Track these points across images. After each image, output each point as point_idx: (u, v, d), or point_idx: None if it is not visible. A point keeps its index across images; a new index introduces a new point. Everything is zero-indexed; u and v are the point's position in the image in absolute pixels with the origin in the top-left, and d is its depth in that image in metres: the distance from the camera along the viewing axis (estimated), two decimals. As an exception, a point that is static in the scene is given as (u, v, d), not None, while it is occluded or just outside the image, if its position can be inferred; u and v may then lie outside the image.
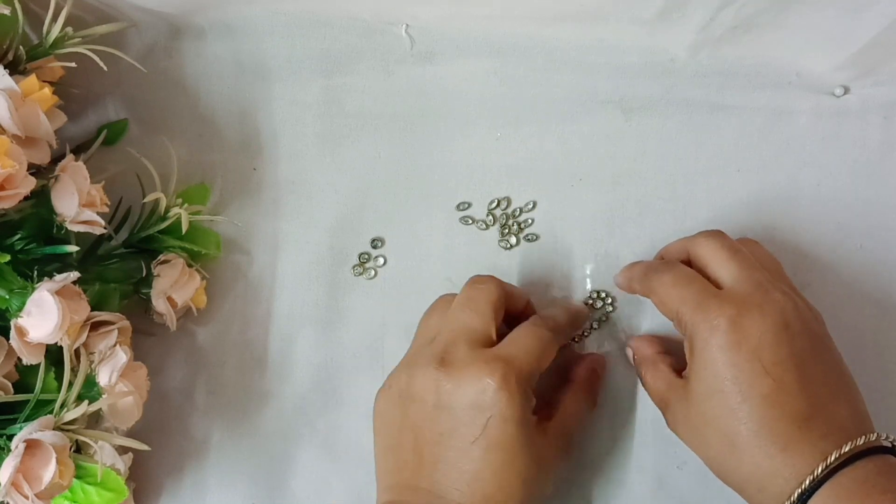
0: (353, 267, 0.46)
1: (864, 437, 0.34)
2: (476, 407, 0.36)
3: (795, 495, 0.33)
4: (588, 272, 0.45)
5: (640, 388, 0.44)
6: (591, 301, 0.44)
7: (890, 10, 0.40)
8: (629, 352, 0.43)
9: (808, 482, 0.33)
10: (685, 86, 0.45)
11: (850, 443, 0.34)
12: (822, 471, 0.33)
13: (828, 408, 0.35)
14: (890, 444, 0.35)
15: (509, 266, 0.45)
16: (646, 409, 0.44)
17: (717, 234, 0.39)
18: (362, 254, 0.46)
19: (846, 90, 0.44)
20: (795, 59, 0.44)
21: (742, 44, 0.43)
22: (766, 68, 0.44)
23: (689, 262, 0.40)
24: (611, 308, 0.44)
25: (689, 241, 0.40)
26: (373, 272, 0.46)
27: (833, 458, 0.33)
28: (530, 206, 0.45)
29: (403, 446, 0.38)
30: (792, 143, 0.45)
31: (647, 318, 0.44)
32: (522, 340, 0.38)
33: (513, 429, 0.36)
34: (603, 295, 0.44)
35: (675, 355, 0.41)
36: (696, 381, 0.37)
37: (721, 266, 0.38)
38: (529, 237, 0.45)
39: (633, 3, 0.42)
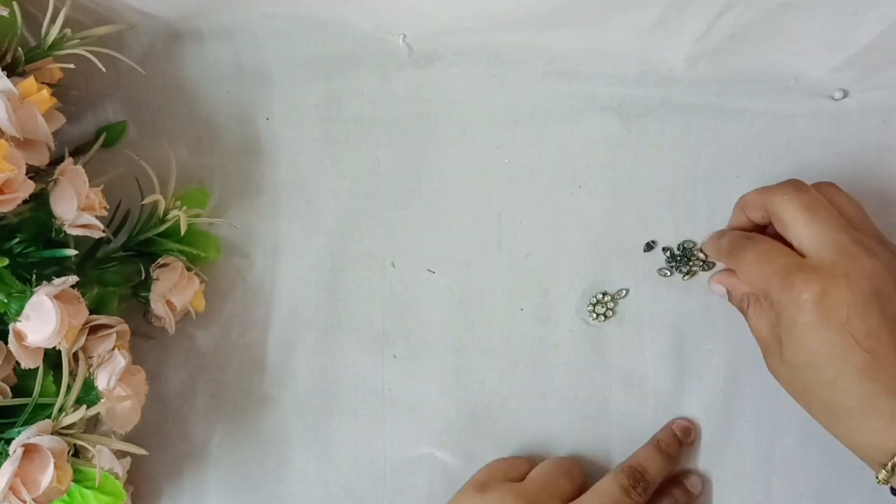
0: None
1: None
2: None
3: None
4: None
5: (641, 393, 0.44)
6: (590, 308, 0.44)
7: (888, 13, 0.40)
8: (718, 288, 0.42)
9: None
10: (683, 92, 0.45)
11: None
12: None
13: None
14: None
15: (509, 269, 0.45)
16: (645, 415, 0.44)
17: (794, 191, 0.38)
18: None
19: (845, 94, 0.44)
20: (794, 63, 0.44)
21: (740, 51, 0.43)
22: (764, 73, 0.44)
23: (768, 219, 0.39)
24: (612, 312, 0.44)
25: (766, 197, 0.39)
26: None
27: None
28: (524, 213, 0.45)
29: None
30: (791, 147, 0.45)
31: (648, 324, 0.44)
32: None
33: None
34: (606, 299, 0.44)
35: None
36: (791, 353, 0.36)
37: (802, 229, 0.37)
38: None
39: (631, 13, 0.42)
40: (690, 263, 0.44)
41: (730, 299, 0.42)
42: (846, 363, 0.34)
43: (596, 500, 0.39)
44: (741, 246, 0.39)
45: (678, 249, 0.44)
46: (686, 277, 0.44)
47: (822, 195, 0.38)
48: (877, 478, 0.35)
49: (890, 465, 0.34)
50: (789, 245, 0.37)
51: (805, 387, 0.36)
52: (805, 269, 0.36)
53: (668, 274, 0.44)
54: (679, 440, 0.42)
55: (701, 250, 0.44)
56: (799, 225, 0.37)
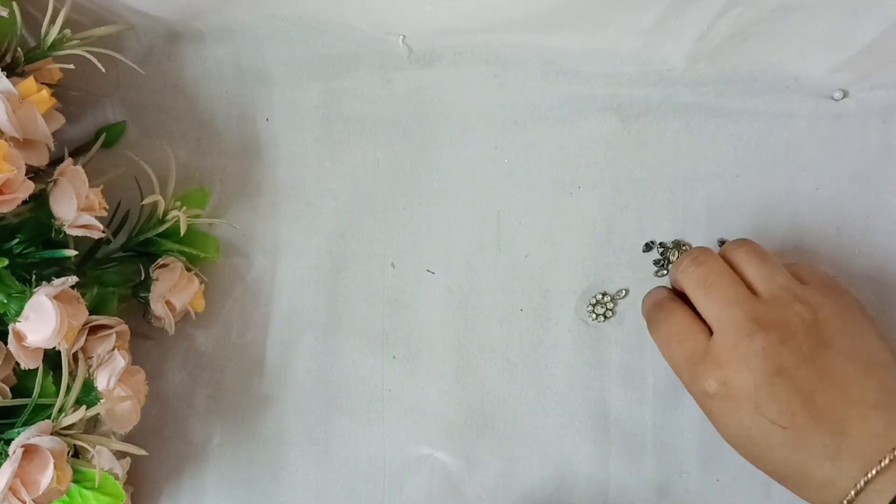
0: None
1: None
2: None
3: None
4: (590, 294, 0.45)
5: (641, 393, 0.44)
6: (590, 308, 0.44)
7: (888, 13, 0.40)
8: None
9: None
10: (683, 92, 0.45)
11: (888, 455, 0.32)
12: (857, 493, 0.33)
13: (854, 431, 0.33)
14: None
15: (508, 269, 0.45)
16: (645, 415, 0.44)
17: (691, 265, 0.38)
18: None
19: (845, 94, 0.44)
20: (793, 63, 0.44)
21: (740, 51, 0.43)
22: (763, 73, 0.44)
23: None
24: (612, 313, 0.44)
25: (674, 270, 0.39)
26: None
27: (868, 478, 0.33)
28: (524, 215, 0.45)
29: None
30: (790, 147, 0.45)
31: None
32: None
33: None
34: (606, 299, 0.44)
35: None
36: (717, 427, 0.37)
37: (703, 306, 0.37)
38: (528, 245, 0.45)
39: (630, 13, 0.42)
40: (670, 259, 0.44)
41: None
42: (768, 441, 0.34)
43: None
44: (654, 319, 0.39)
45: (661, 247, 0.44)
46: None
47: (731, 258, 0.38)
48: None
49: None
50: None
51: (741, 452, 0.37)
52: (707, 358, 0.36)
53: (664, 273, 0.44)
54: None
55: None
56: (700, 301, 0.37)
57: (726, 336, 0.35)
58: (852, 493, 0.33)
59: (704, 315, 0.37)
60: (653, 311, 0.40)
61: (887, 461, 0.32)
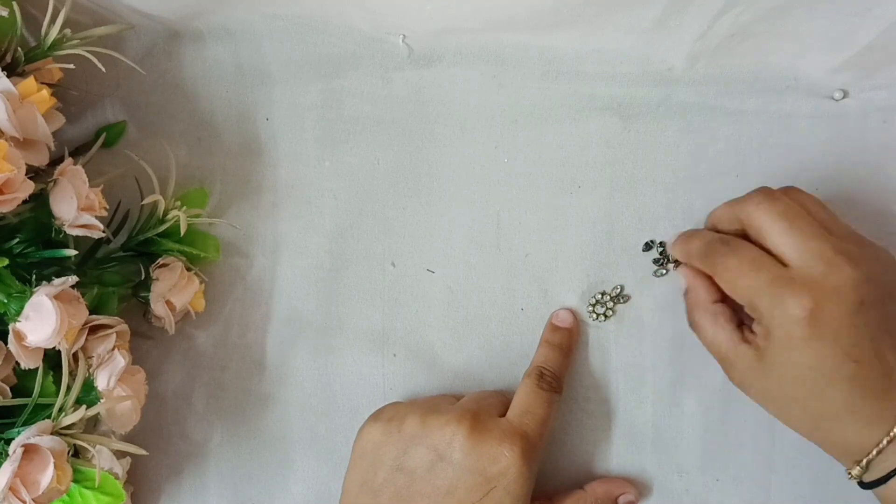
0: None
1: None
2: (483, 474, 0.37)
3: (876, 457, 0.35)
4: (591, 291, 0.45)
5: (640, 393, 0.44)
6: (590, 308, 0.44)
7: (888, 13, 0.40)
8: (683, 282, 0.42)
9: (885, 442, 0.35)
10: (683, 92, 0.45)
11: None
12: (891, 440, 0.35)
13: None
14: None
15: (508, 269, 0.45)
16: (645, 415, 0.44)
17: (767, 199, 0.38)
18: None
19: (845, 94, 0.44)
20: (793, 63, 0.44)
21: (740, 51, 0.43)
22: (764, 73, 0.44)
23: (743, 230, 0.39)
24: (612, 312, 0.44)
25: (738, 208, 0.39)
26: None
27: None
28: (524, 214, 0.45)
29: (385, 487, 0.38)
30: (791, 147, 0.45)
31: (647, 324, 0.44)
32: (535, 408, 0.39)
33: None
34: (606, 299, 0.44)
35: (731, 304, 0.40)
36: (777, 364, 0.36)
37: (782, 239, 0.36)
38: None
39: (630, 13, 0.42)
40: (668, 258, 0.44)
41: (686, 299, 0.42)
42: (836, 373, 0.35)
43: (519, 404, 0.40)
44: (719, 252, 0.38)
45: (661, 246, 0.44)
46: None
47: (793, 201, 0.38)
48: (849, 473, 0.37)
49: (865, 461, 0.36)
50: (768, 252, 0.37)
51: (788, 397, 0.37)
52: (794, 283, 0.35)
53: (664, 273, 0.44)
54: (557, 327, 0.44)
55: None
56: (777, 234, 0.37)
57: (815, 264, 0.35)
58: (886, 439, 0.35)
59: (784, 248, 0.36)
60: (714, 244, 0.39)
61: None
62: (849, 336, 0.35)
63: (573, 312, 0.44)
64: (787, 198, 0.38)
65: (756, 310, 0.37)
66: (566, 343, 0.43)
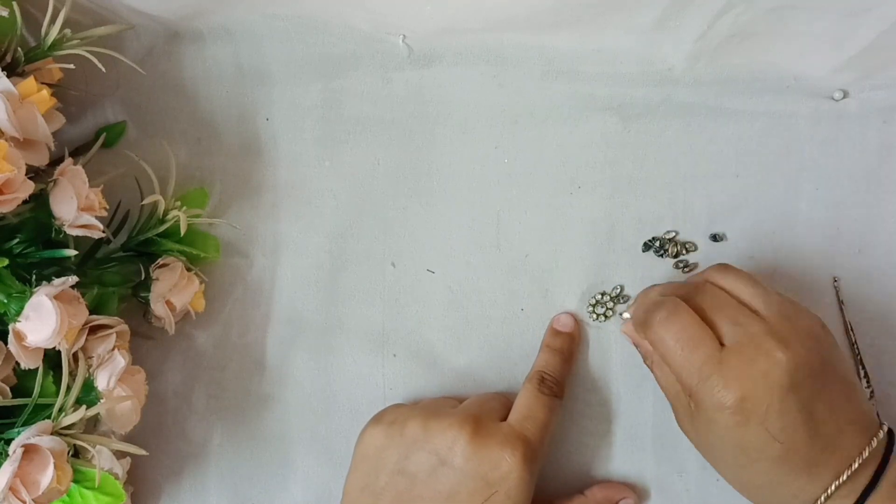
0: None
1: (858, 458, 0.35)
2: (485, 479, 0.37)
3: None
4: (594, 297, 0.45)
5: (640, 393, 0.44)
6: (590, 308, 0.44)
7: (888, 13, 0.40)
8: (627, 333, 0.42)
9: None
10: (683, 92, 0.45)
11: (857, 460, 0.35)
12: (826, 499, 0.35)
13: (833, 446, 0.35)
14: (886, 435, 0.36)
15: (509, 269, 0.45)
16: (645, 415, 0.44)
17: (695, 293, 0.38)
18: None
19: (845, 94, 0.44)
20: (793, 63, 0.44)
21: (740, 51, 0.43)
22: (764, 73, 0.44)
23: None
24: (612, 312, 0.44)
25: (680, 289, 0.39)
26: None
27: (838, 483, 0.35)
28: (524, 214, 0.45)
29: (386, 491, 0.38)
30: (791, 147, 0.45)
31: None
32: (535, 413, 0.39)
33: None
34: (606, 299, 0.44)
35: None
36: (706, 436, 0.37)
37: (720, 319, 0.37)
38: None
39: (630, 13, 0.42)
40: (670, 250, 0.44)
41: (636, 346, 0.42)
42: (761, 453, 0.35)
43: (520, 409, 0.40)
44: (660, 317, 0.38)
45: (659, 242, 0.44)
46: (686, 271, 0.44)
47: (722, 283, 0.38)
48: None
49: None
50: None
51: (717, 462, 0.38)
52: (723, 368, 0.36)
53: (661, 255, 0.44)
54: (559, 332, 0.44)
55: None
56: (711, 317, 0.37)
57: (745, 348, 0.36)
58: (822, 498, 0.35)
59: (718, 326, 0.37)
60: (652, 311, 0.39)
61: (857, 465, 0.35)
62: (777, 420, 0.35)
63: (574, 317, 0.44)
64: (712, 288, 0.38)
65: (688, 389, 0.37)
66: (567, 347, 0.43)
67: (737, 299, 0.38)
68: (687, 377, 0.37)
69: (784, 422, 0.35)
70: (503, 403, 0.41)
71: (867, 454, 0.35)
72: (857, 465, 0.35)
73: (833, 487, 0.35)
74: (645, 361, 0.41)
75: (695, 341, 0.37)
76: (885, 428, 0.36)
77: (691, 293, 0.39)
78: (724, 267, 0.39)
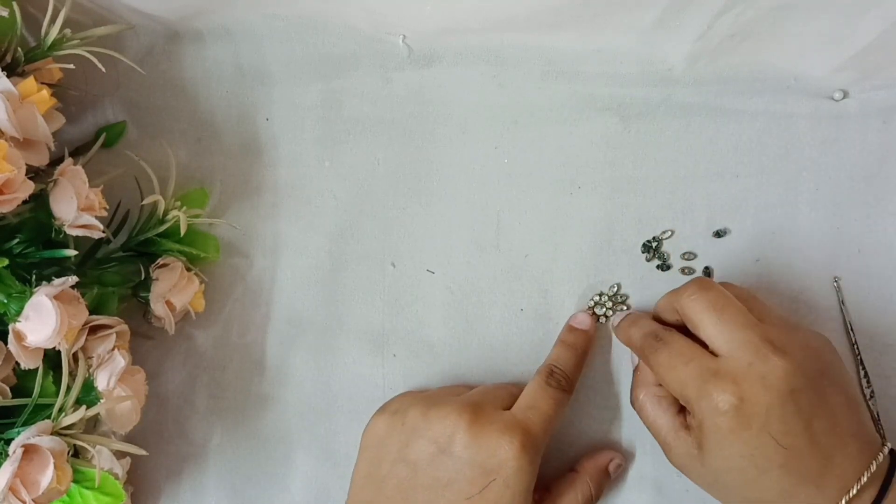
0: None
1: (866, 472, 0.35)
2: (483, 466, 0.37)
3: None
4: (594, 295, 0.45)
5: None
6: (590, 308, 0.44)
7: (888, 13, 0.40)
8: (634, 359, 0.43)
9: None
10: (683, 92, 0.45)
11: (865, 474, 0.35)
12: None
13: (837, 457, 0.35)
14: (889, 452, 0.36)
15: (509, 269, 0.45)
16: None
17: (699, 290, 0.38)
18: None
19: (845, 94, 0.44)
20: (793, 63, 0.44)
21: (740, 51, 0.43)
22: (763, 73, 0.44)
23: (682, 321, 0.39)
24: (612, 312, 0.44)
25: (674, 298, 0.39)
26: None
27: (848, 498, 0.34)
28: (524, 213, 0.45)
29: (389, 479, 0.38)
30: (790, 147, 0.45)
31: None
32: (540, 404, 0.39)
33: (510, 499, 0.37)
34: (605, 299, 0.44)
35: None
36: (710, 456, 0.37)
37: (712, 329, 0.37)
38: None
39: (630, 13, 0.42)
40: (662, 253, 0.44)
41: (633, 375, 0.42)
42: (768, 461, 0.35)
43: (525, 399, 0.40)
44: (652, 347, 0.39)
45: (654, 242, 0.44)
46: (687, 272, 0.44)
47: (725, 290, 0.38)
48: None
49: None
50: (703, 344, 0.38)
51: (726, 486, 0.37)
52: (720, 374, 0.36)
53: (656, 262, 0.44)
54: (574, 328, 0.43)
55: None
56: (708, 325, 0.37)
57: (742, 354, 0.36)
58: None
59: (712, 337, 0.37)
60: (648, 341, 0.39)
61: (865, 479, 0.35)
62: (779, 424, 0.35)
63: (591, 317, 0.44)
64: (718, 289, 0.38)
65: (687, 402, 0.37)
66: (581, 344, 0.43)
67: (733, 310, 0.38)
68: (686, 390, 0.37)
69: (786, 426, 0.35)
70: (511, 393, 0.41)
71: (874, 467, 0.35)
72: (865, 478, 0.35)
73: (843, 502, 0.35)
74: (633, 394, 0.41)
75: (690, 354, 0.37)
76: (887, 449, 0.36)
77: (672, 312, 0.39)
78: (727, 285, 0.39)
